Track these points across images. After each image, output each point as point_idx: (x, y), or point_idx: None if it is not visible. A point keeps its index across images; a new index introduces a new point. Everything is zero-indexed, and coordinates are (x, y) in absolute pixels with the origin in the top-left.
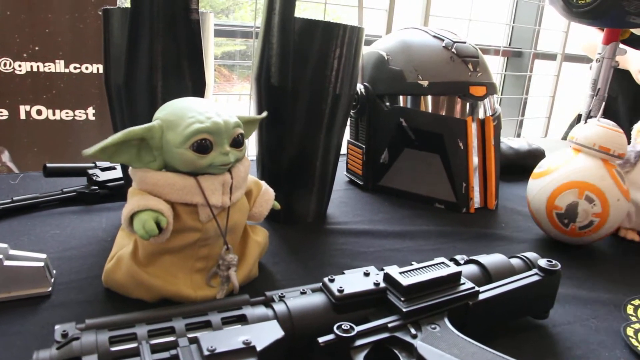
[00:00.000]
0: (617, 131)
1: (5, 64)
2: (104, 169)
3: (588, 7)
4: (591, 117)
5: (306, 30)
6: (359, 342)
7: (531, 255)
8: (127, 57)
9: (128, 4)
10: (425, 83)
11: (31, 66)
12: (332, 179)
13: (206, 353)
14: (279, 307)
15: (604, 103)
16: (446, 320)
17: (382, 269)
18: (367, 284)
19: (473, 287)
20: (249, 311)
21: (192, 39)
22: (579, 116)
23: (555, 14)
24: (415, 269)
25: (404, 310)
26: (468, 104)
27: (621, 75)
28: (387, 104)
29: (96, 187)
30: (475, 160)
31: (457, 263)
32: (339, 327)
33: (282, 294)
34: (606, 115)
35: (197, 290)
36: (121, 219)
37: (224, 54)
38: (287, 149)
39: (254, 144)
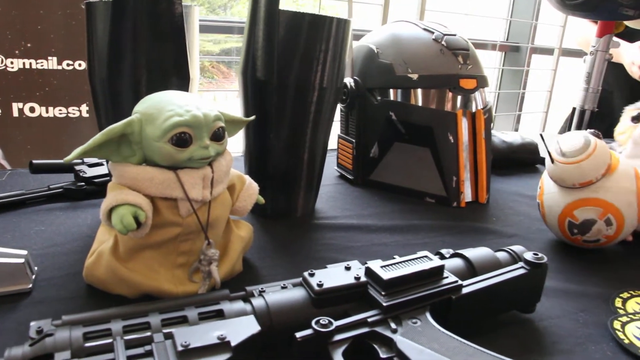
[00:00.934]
0: None
1: None
2: (91, 165)
3: (581, 0)
4: (585, 110)
5: (292, 23)
6: (337, 337)
7: (518, 248)
8: (111, 51)
9: None
10: (415, 76)
11: (23, 63)
12: (319, 173)
13: (180, 348)
14: (258, 302)
15: (598, 96)
16: (428, 315)
17: (365, 263)
18: (347, 278)
19: (456, 281)
20: (226, 306)
21: (176, 32)
22: (574, 110)
23: (551, 7)
24: (397, 263)
25: (384, 304)
26: (459, 97)
27: (617, 70)
28: (378, 97)
29: (83, 184)
30: (465, 153)
31: (443, 257)
32: (317, 322)
33: (262, 289)
34: (602, 109)
35: (178, 285)
36: (99, 213)
37: (222, 50)
38: (274, 143)
39: (241, 139)
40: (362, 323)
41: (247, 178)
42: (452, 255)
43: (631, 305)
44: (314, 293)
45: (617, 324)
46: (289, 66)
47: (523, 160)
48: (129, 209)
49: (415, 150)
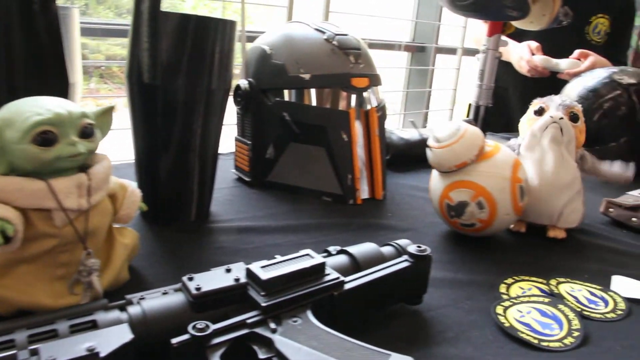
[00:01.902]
0: None
1: None
2: None
3: (469, 1)
4: (480, 106)
5: (177, 26)
6: (215, 341)
7: (403, 242)
8: None
9: None
10: (307, 76)
11: None
12: (212, 176)
13: None
14: (134, 309)
15: (491, 92)
16: (309, 313)
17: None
18: (227, 281)
19: (337, 278)
20: (100, 316)
21: (52, 34)
22: (469, 106)
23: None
24: (278, 263)
25: (263, 304)
26: (353, 96)
27: (511, 67)
28: (272, 98)
29: None
30: (360, 151)
31: (330, 254)
32: (193, 327)
33: (142, 296)
34: (499, 106)
35: (57, 299)
36: None
37: None
38: (163, 147)
39: (131, 145)
40: (241, 325)
41: (130, 185)
42: (338, 252)
43: (514, 290)
44: (192, 297)
45: (499, 309)
46: (176, 69)
47: (421, 155)
48: None
49: (310, 150)
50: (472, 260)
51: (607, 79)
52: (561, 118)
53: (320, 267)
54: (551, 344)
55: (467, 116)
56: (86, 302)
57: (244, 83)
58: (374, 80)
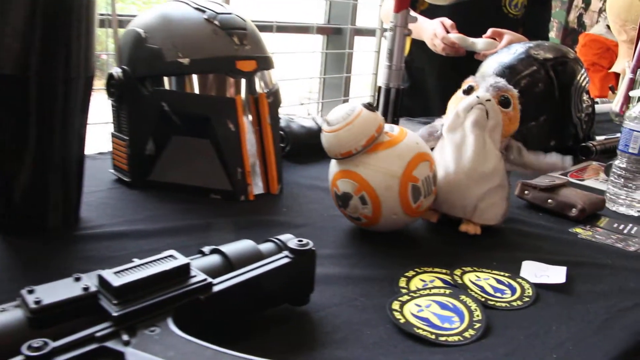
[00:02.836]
0: None
1: None
2: None
3: None
4: (390, 88)
5: (26, 7)
6: None
7: (285, 237)
8: None
9: None
10: (186, 61)
11: None
12: (78, 178)
13: None
14: None
15: (402, 73)
16: (169, 321)
17: None
18: (74, 291)
19: (205, 279)
20: None
21: None
22: (379, 89)
23: None
24: (135, 267)
25: (115, 314)
26: (242, 81)
27: (426, 46)
28: (149, 87)
29: None
30: (251, 142)
31: (204, 255)
32: (28, 346)
33: None
34: (416, 88)
35: None
36: None
37: None
38: (19, 147)
39: None
40: (88, 339)
41: None
42: (211, 252)
43: (415, 283)
44: (30, 312)
45: (395, 305)
46: (26, 56)
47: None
48: None
49: (194, 143)
50: (372, 254)
51: (524, 55)
52: (488, 100)
53: (184, 269)
54: (450, 338)
55: (377, 100)
56: None
57: (117, 71)
58: (263, 63)
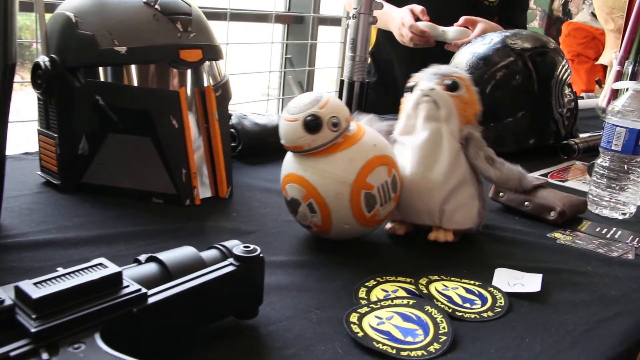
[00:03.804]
0: None
1: None
2: None
3: None
4: (354, 82)
5: None
6: None
7: (230, 243)
8: None
9: None
10: (122, 49)
11: None
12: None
13: None
14: None
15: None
16: (96, 337)
17: None
18: None
19: (138, 290)
20: None
21: None
22: (342, 82)
23: None
24: (58, 277)
25: (33, 330)
26: (184, 72)
27: (393, 36)
28: (82, 79)
29: None
30: (197, 141)
31: (140, 263)
32: None
33: None
34: (384, 82)
35: None
36: None
37: None
38: None
39: None
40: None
41: None
42: (147, 260)
43: (376, 294)
44: None
45: (353, 317)
46: None
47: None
48: None
49: (134, 142)
50: (329, 262)
51: (500, 44)
52: (432, 89)
53: (115, 278)
54: (413, 353)
55: (340, 95)
56: None
57: (44, 60)
58: (211, 53)
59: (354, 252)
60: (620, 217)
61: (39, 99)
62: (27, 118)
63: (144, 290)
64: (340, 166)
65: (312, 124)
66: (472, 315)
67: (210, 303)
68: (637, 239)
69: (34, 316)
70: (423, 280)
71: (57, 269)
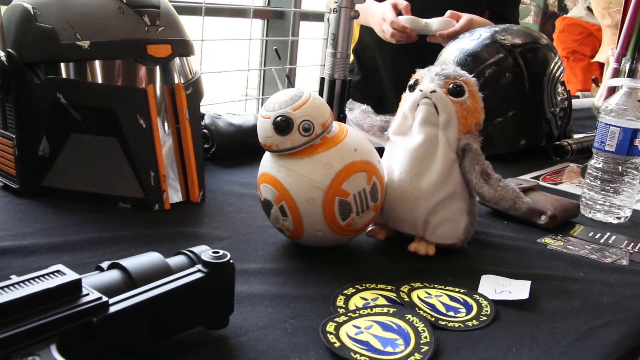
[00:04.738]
0: None
1: None
2: None
3: None
4: (335, 80)
5: None
6: None
7: (199, 248)
8: None
9: None
10: (85, 44)
11: None
12: None
13: None
14: None
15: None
16: (52, 348)
17: None
18: None
19: (99, 298)
20: None
21: None
22: (322, 80)
23: None
24: (11, 285)
25: None
26: (152, 69)
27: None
28: (42, 75)
29: None
30: (167, 141)
31: (102, 270)
32: None
33: None
34: (368, 81)
35: None
36: None
37: None
38: None
39: None
40: None
41: None
42: (110, 267)
43: (354, 302)
44: None
45: (330, 327)
46: None
47: (257, 146)
48: None
49: (98, 143)
50: (306, 270)
51: (489, 40)
52: (433, 91)
53: (74, 286)
54: None
55: (321, 93)
56: None
57: (0, 55)
58: (180, 48)
59: (333, 258)
60: (615, 222)
61: None
62: None
63: (104, 298)
64: (315, 170)
65: (282, 125)
66: (456, 324)
67: (177, 312)
68: (632, 244)
69: None
70: (405, 288)
71: (11, 276)
